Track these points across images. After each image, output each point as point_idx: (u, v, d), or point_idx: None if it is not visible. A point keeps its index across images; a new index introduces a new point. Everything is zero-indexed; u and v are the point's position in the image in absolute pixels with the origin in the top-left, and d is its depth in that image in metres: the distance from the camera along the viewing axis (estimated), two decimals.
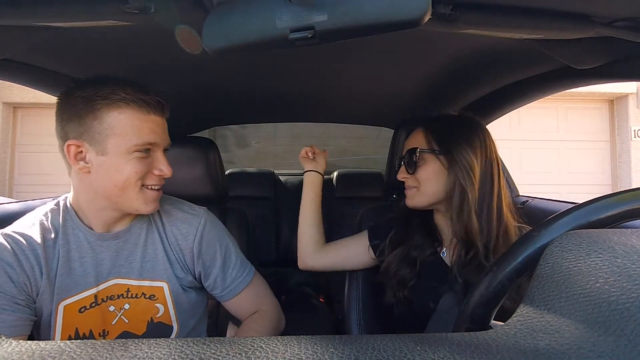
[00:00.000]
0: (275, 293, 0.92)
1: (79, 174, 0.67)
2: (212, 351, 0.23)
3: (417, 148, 0.80)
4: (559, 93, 1.00)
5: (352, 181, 1.97)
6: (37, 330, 0.67)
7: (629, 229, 0.30)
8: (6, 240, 0.64)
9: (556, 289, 0.27)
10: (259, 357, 0.22)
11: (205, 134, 1.84)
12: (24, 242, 0.65)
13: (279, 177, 2.07)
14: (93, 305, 0.69)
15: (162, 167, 0.69)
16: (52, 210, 0.71)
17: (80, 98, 0.64)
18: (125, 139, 0.64)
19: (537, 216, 1.18)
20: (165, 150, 0.72)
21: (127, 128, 0.64)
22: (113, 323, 0.70)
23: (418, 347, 0.23)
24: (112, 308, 0.70)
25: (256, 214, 1.66)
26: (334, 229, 1.88)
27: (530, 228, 0.37)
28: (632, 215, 0.33)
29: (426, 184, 0.80)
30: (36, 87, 0.94)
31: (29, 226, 0.68)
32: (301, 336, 0.25)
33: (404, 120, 1.05)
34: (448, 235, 0.83)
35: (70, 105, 0.66)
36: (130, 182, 0.66)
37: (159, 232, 0.75)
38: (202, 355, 0.22)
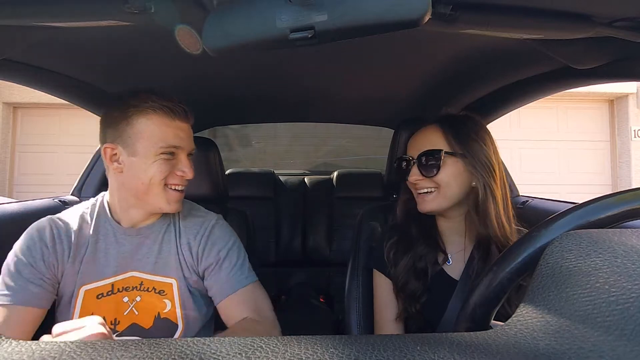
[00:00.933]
0: (275, 293, 0.91)
1: (115, 173, 0.76)
2: (212, 351, 0.23)
3: (438, 150, 0.76)
4: (559, 93, 1.00)
5: (352, 181, 1.97)
6: (59, 310, 0.75)
7: (629, 229, 0.30)
8: (49, 224, 0.75)
9: (556, 289, 0.27)
10: (259, 357, 0.22)
11: (205, 134, 1.84)
12: (63, 227, 0.75)
13: (279, 177, 2.07)
14: (109, 293, 0.75)
15: (185, 169, 0.76)
16: (92, 205, 0.81)
17: (116, 108, 0.75)
18: (152, 142, 0.72)
19: (537, 216, 1.18)
20: (189, 155, 0.78)
21: (154, 132, 0.72)
22: (125, 313, 0.75)
23: (418, 347, 0.23)
24: (125, 299, 0.75)
25: (256, 214, 1.66)
26: (334, 229, 1.88)
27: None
28: (632, 215, 0.33)
29: (448, 187, 0.76)
30: (36, 87, 0.94)
31: (72, 215, 0.79)
32: (301, 336, 0.25)
33: (404, 120, 1.05)
34: (454, 241, 0.81)
35: (108, 115, 0.77)
36: (155, 181, 0.73)
37: (175, 232, 0.81)
38: (202, 355, 0.22)
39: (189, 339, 0.25)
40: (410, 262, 0.78)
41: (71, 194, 1.27)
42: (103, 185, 1.28)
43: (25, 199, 1.12)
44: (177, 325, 0.77)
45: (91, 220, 0.78)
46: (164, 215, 0.81)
